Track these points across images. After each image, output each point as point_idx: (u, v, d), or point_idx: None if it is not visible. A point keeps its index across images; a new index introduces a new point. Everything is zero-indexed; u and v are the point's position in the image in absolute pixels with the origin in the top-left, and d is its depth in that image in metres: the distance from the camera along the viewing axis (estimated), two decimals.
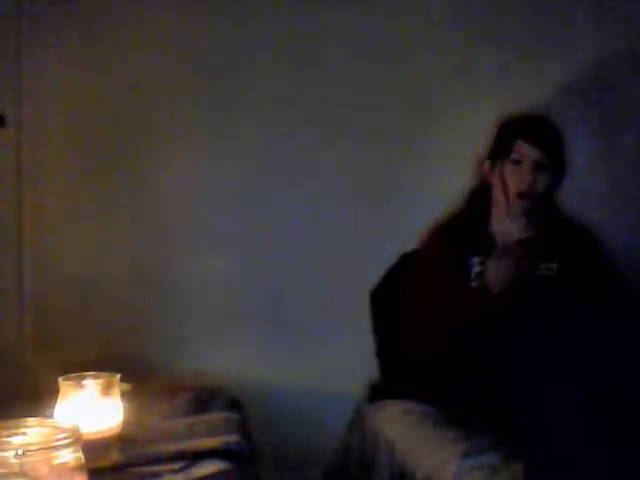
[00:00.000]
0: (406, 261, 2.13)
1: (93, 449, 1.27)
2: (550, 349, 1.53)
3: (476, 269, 1.87)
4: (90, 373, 1.40)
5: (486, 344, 1.66)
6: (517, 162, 1.87)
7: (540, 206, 1.89)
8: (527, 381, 1.52)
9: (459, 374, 1.72)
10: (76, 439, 0.96)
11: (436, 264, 1.92)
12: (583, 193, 2.18)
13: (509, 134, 1.91)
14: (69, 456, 0.94)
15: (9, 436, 0.97)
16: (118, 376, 1.41)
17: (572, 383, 1.45)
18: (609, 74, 2.34)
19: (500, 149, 1.91)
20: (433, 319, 1.83)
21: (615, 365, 1.49)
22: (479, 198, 1.98)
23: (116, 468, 1.34)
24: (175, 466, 1.37)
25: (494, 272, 1.82)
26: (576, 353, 1.49)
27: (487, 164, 1.95)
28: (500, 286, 1.81)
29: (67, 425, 1.00)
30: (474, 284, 1.85)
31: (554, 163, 1.87)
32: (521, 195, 1.85)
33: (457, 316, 1.77)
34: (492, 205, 1.97)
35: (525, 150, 1.86)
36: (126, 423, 1.41)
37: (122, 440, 1.40)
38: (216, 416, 1.74)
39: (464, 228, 1.94)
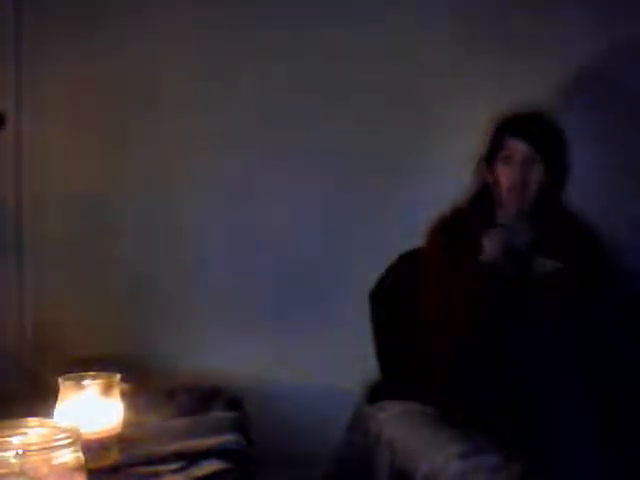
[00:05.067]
0: (406, 260, 2.12)
1: (93, 449, 1.28)
2: (553, 348, 1.53)
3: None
4: (90, 373, 1.40)
5: (491, 344, 1.66)
6: (507, 159, 1.89)
7: (539, 202, 1.89)
8: (530, 381, 1.52)
9: (463, 374, 1.72)
10: (76, 439, 0.96)
11: (445, 260, 1.91)
12: (583, 193, 2.17)
13: (499, 132, 1.93)
14: (69, 456, 0.94)
15: (9, 436, 0.97)
16: (118, 376, 1.41)
17: (575, 384, 1.45)
18: (609, 73, 2.34)
19: (492, 148, 1.94)
20: (443, 317, 1.83)
21: (618, 365, 1.50)
22: (482, 197, 1.98)
23: (116, 468, 1.34)
24: (175, 466, 1.37)
25: (488, 246, 1.85)
26: (579, 353, 1.50)
27: (483, 164, 1.96)
28: (495, 254, 1.83)
29: (67, 425, 1.00)
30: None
31: (545, 156, 1.87)
32: (511, 190, 1.87)
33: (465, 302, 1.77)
34: (496, 203, 1.97)
35: (513, 146, 1.88)
36: (126, 423, 1.41)
37: (122, 440, 1.40)
38: (216, 416, 1.74)
39: (469, 225, 1.94)
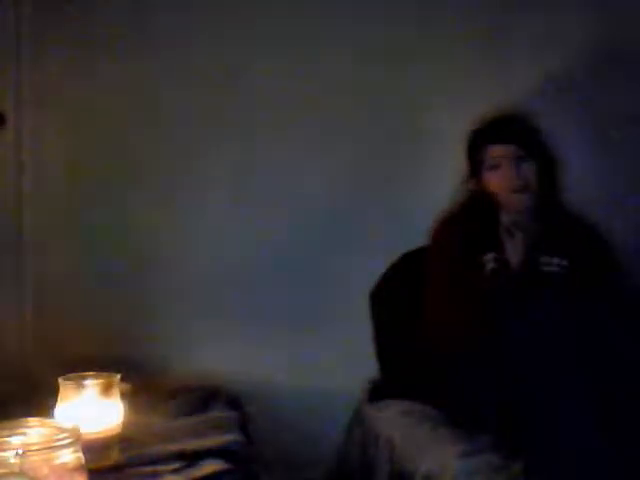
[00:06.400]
0: (406, 260, 2.12)
1: (93, 449, 1.28)
2: (553, 348, 1.53)
3: (490, 265, 1.86)
4: (90, 373, 1.40)
5: (491, 344, 1.66)
6: (495, 167, 1.88)
7: (538, 201, 1.89)
8: (530, 381, 1.52)
9: (463, 374, 1.71)
10: (76, 439, 0.96)
11: (448, 260, 1.90)
12: (582, 194, 2.17)
13: (477, 143, 1.93)
14: (69, 456, 0.94)
15: (9, 436, 0.97)
16: (118, 376, 1.41)
17: (575, 384, 1.45)
18: (608, 73, 2.34)
19: (476, 161, 1.93)
20: (443, 317, 1.82)
21: (618, 365, 1.49)
22: (482, 199, 1.97)
23: (116, 468, 1.34)
24: (175, 466, 1.37)
25: (511, 248, 1.86)
26: (579, 353, 1.49)
27: (470, 177, 1.96)
28: (519, 259, 1.84)
29: (67, 425, 1.01)
30: (490, 266, 1.85)
31: (531, 152, 1.87)
32: (508, 192, 1.86)
33: (473, 307, 1.77)
34: (495, 205, 1.96)
35: (497, 152, 1.88)
36: (126, 423, 1.41)
37: (122, 440, 1.40)
38: (216, 415, 1.74)
39: (473, 224, 1.93)
